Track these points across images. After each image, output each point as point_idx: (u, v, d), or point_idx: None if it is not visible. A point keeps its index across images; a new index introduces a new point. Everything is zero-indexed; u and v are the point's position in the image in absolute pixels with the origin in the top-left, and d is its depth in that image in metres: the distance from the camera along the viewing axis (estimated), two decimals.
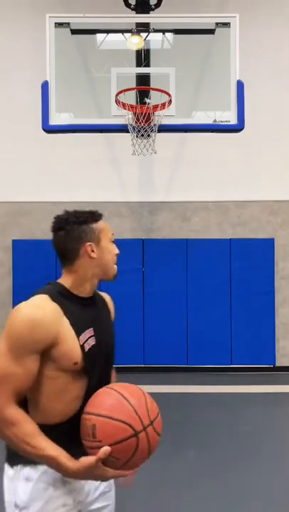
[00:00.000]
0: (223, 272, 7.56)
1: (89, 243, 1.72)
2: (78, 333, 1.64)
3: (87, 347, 1.65)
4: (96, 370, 1.68)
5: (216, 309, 7.48)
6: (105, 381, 1.72)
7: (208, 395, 6.10)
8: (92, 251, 1.73)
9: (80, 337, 1.64)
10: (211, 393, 6.14)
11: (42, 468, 1.58)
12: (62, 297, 1.67)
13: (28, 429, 1.49)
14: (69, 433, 1.57)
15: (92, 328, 1.70)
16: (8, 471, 1.64)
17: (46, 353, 1.57)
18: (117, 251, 1.81)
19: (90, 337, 1.68)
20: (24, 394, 1.58)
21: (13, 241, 7.63)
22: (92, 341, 1.68)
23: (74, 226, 1.71)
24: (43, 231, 7.71)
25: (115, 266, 1.81)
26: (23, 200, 7.72)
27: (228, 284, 7.56)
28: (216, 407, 5.70)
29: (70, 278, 1.73)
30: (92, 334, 1.70)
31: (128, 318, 7.16)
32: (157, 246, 7.57)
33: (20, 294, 7.43)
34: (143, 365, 7.42)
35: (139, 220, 7.74)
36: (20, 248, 7.59)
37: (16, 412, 1.51)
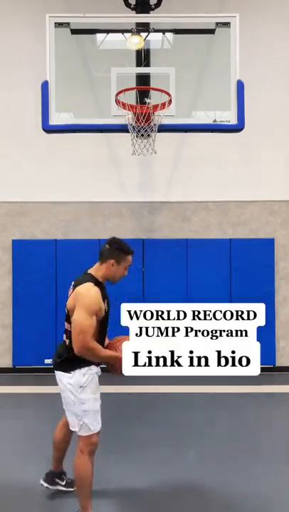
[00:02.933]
0: (223, 272, 7.56)
1: (113, 261, 3.20)
2: (103, 300, 3.12)
3: (106, 309, 3.16)
4: (108, 322, 3.24)
5: None
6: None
7: (208, 395, 6.09)
8: (112, 265, 3.21)
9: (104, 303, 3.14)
10: (211, 393, 6.14)
11: (87, 368, 3.12)
12: (96, 283, 3.13)
13: (98, 348, 3.04)
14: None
15: (106, 300, 3.18)
16: (66, 375, 3.13)
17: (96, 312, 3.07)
18: (124, 275, 3.30)
19: (106, 304, 3.18)
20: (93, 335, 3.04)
21: (13, 241, 7.62)
22: (106, 307, 3.17)
23: (116, 249, 3.22)
24: (43, 231, 7.72)
25: (118, 280, 3.30)
26: (23, 200, 7.71)
27: (228, 284, 7.56)
28: (215, 407, 5.70)
29: (99, 272, 3.21)
30: (106, 304, 3.18)
31: None
32: (157, 246, 7.57)
33: (20, 294, 7.44)
34: None
35: (139, 220, 7.74)
36: (21, 248, 7.59)
37: (93, 343, 3.02)
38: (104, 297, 3.14)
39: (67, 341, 3.15)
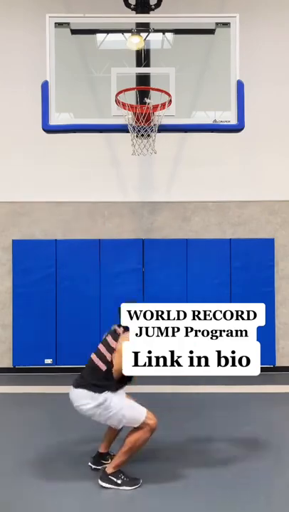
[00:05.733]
0: (223, 272, 7.56)
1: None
2: None
3: None
4: None
5: None
6: None
7: (208, 395, 6.09)
8: None
9: None
10: (211, 393, 6.14)
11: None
12: None
13: None
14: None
15: None
16: (99, 397, 3.41)
17: None
18: None
19: None
20: None
21: (13, 241, 7.62)
22: None
23: None
24: (43, 231, 7.71)
25: None
26: (23, 200, 7.71)
27: (228, 284, 7.56)
28: (216, 407, 5.70)
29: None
30: None
31: None
32: (157, 246, 7.57)
33: (20, 294, 7.44)
34: None
35: (139, 220, 7.74)
36: (21, 248, 7.59)
37: None
38: None
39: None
